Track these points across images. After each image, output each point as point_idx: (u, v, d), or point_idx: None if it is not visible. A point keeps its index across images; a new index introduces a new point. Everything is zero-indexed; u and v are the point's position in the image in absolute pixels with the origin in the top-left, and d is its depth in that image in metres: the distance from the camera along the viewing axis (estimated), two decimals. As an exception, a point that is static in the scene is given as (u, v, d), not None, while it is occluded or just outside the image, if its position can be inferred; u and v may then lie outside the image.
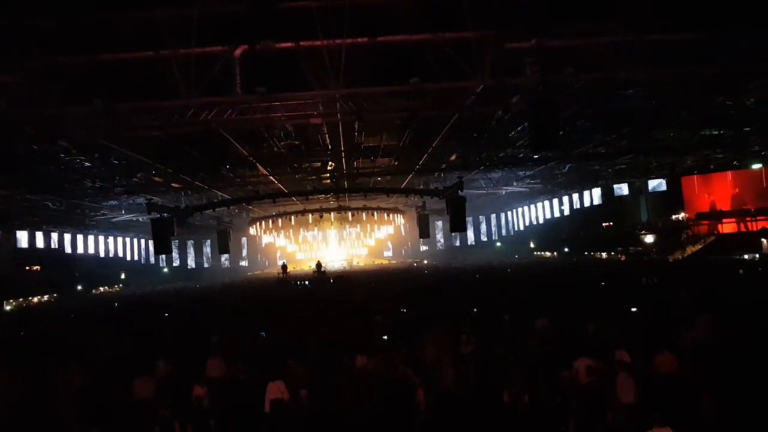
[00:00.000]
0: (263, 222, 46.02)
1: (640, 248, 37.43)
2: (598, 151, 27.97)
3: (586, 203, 44.70)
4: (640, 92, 17.30)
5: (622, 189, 41.33)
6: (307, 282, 35.38)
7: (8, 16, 9.38)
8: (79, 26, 9.90)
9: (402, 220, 50.02)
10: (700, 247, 32.51)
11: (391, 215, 47.68)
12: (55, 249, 42.44)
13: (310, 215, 43.69)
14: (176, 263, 59.75)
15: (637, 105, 18.89)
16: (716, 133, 25.32)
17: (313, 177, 31.50)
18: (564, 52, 12.11)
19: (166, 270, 57.68)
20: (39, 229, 39.93)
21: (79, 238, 45.82)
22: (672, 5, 10.95)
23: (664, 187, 39.14)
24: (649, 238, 37.73)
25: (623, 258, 36.87)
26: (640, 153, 28.77)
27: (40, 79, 11.20)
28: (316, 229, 48.38)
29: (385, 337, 11.52)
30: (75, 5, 9.26)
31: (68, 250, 44.60)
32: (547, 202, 50.58)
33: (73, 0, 9.22)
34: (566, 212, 47.90)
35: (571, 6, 11.13)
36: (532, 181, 39.18)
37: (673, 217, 38.01)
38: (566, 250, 44.61)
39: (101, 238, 49.41)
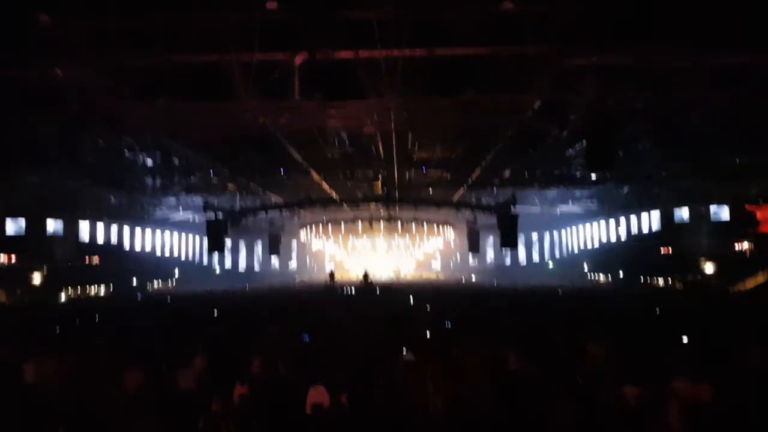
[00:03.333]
0: (313, 227, 46.46)
1: (699, 277, 35.95)
2: (658, 173, 27.15)
3: (644, 227, 43.24)
4: (704, 114, 16.72)
5: (683, 214, 39.85)
6: (353, 290, 35.49)
7: (82, 16, 9.85)
8: (149, 27, 10.30)
9: (452, 234, 49.59)
10: (765, 279, 30.96)
11: (441, 227, 47.31)
12: (113, 242, 43.95)
13: (359, 223, 43.83)
14: (227, 265, 60.95)
15: (701, 127, 18.25)
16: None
17: (365, 185, 31.72)
18: (626, 71, 11.85)
19: (218, 271, 58.81)
20: (100, 220, 41.36)
21: (137, 232, 47.39)
22: (738, 26, 10.56)
23: (726, 214, 37.55)
24: (710, 267, 36.20)
25: (680, 286, 35.49)
26: (702, 177, 27.78)
27: (110, 77, 11.70)
28: (364, 237, 48.52)
29: (407, 352, 11.34)
30: (145, 7, 9.64)
31: (126, 244, 46.15)
32: (603, 224, 49.22)
33: (143, 2, 9.59)
34: (623, 236, 46.45)
35: (635, 24, 10.89)
36: (589, 201, 38.27)
37: (736, 245, 36.37)
38: (621, 274, 43.26)
39: (158, 234, 50.96)
